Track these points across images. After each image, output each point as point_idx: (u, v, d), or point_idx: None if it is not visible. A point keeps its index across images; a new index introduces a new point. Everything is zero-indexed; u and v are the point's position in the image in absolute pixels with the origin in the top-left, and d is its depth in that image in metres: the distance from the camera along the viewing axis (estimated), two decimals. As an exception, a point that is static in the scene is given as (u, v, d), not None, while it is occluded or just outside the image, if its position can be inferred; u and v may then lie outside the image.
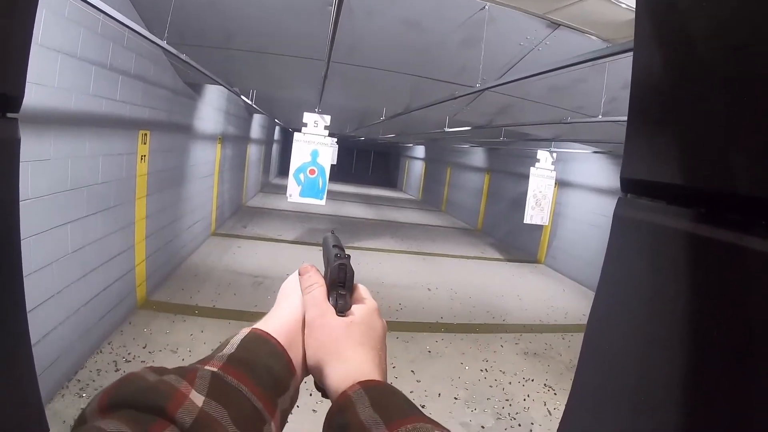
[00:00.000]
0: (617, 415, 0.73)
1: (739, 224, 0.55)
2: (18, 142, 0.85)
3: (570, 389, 0.89)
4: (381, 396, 0.56)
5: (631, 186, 0.76)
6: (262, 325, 0.68)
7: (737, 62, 0.55)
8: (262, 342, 0.63)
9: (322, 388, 0.66)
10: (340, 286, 0.72)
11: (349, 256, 0.74)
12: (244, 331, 0.65)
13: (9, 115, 0.82)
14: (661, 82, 0.69)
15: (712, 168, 0.59)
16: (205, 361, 0.59)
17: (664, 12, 0.68)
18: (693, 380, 0.58)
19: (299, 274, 0.76)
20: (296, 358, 0.65)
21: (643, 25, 0.72)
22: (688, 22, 0.63)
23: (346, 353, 0.64)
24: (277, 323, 0.68)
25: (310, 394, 3.86)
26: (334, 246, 0.79)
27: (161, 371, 0.53)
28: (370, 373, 0.62)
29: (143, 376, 0.50)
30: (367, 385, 0.58)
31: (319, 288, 0.71)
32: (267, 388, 0.57)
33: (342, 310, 0.69)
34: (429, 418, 0.53)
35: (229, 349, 0.61)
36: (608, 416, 0.75)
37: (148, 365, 0.54)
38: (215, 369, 0.55)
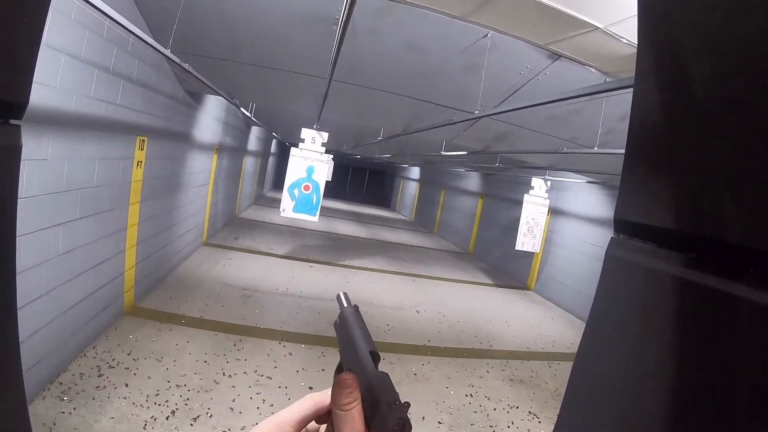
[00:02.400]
0: None
1: (727, 271, 0.56)
2: (19, 149, 0.85)
3: (555, 422, 0.89)
4: None
5: (624, 226, 0.77)
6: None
7: (736, 115, 0.56)
8: None
9: None
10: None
11: (408, 404, 0.64)
12: None
13: (12, 121, 0.82)
14: (659, 125, 0.70)
15: (704, 215, 0.60)
16: None
17: (666, 54, 0.69)
18: (677, 423, 0.58)
19: (340, 386, 0.65)
20: None
21: (644, 64, 0.73)
22: (690, 67, 0.64)
23: None
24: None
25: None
26: (373, 355, 0.69)
27: None
28: None
29: None
30: None
31: (358, 407, 0.64)
32: None
33: None
34: None
35: None
36: None
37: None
38: None
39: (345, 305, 0.77)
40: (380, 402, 0.63)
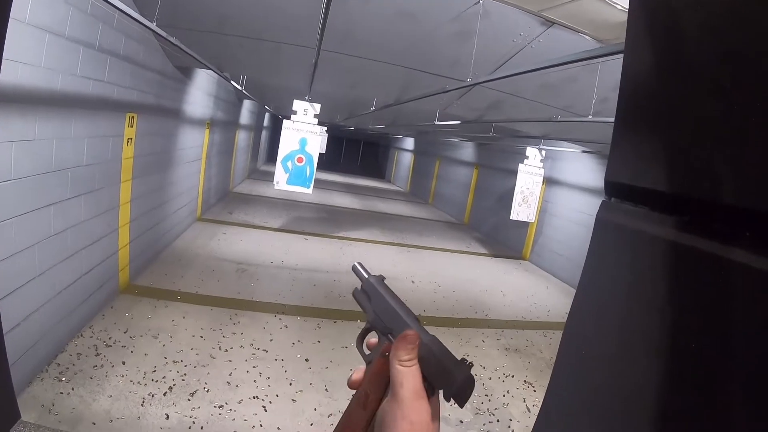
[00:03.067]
0: (592, 417, 0.73)
1: (723, 235, 0.54)
2: None
3: (547, 386, 0.89)
4: None
5: (615, 190, 0.76)
6: None
7: (729, 69, 0.55)
8: None
9: None
10: (455, 395, 0.63)
11: (472, 363, 0.65)
12: None
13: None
14: (650, 85, 0.68)
15: (697, 176, 0.59)
16: None
17: (657, 11, 0.67)
18: (667, 387, 0.58)
19: (404, 340, 0.66)
20: None
21: (635, 24, 0.71)
22: (682, 22, 0.62)
23: None
24: None
25: (314, 409, 3.80)
26: (423, 330, 0.69)
27: None
28: None
29: None
30: None
31: (418, 365, 0.65)
32: None
33: (430, 396, 0.64)
34: None
35: None
36: (583, 418, 0.75)
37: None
38: None
39: (367, 275, 0.77)
40: (443, 361, 0.64)
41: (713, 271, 0.55)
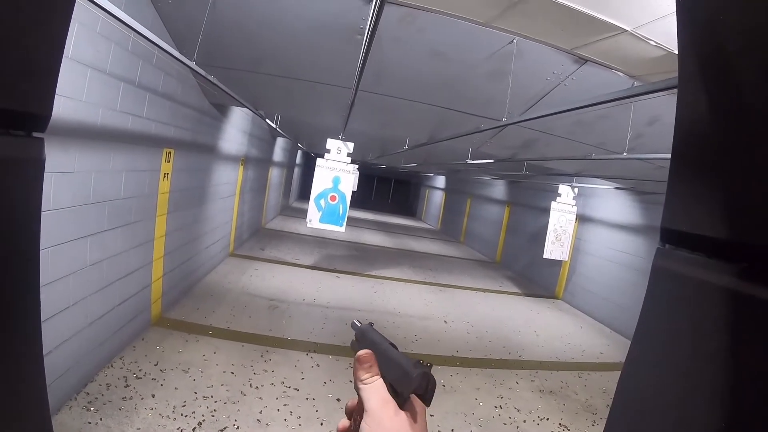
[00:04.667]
0: None
1: None
2: (43, 162, 0.83)
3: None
4: None
5: (670, 236, 0.73)
6: None
7: None
8: None
9: None
10: (419, 394, 0.70)
11: (431, 364, 0.71)
12: None
13: (35, 134, 0.80)
14: (706, 129, 0.66)
15: (757, 222, 0.56)
16: None
17: (710, 54, 0.65)
18: None
19: (358, 362, 0.73)
20: None
21: (687, 66, 0.69)
22: (737, 65, 0.59)
23: None
24: None
25: (321, 424, 3.78)
26: (393, 346, 0.76)
27: None
28: None
29: None
30: None
31: (380, 380, 0.71)
32: None
33: (401, 406, 0.69)
34: None
35: None
36: None
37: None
38: None
39: (359, 324, 0.83)
40: (403, 365, 0.70)
41: None
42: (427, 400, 0.70)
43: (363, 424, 0.67)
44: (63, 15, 0.79)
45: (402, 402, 0.69)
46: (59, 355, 3.83)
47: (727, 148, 0.61)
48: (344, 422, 0.75)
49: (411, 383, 0.68)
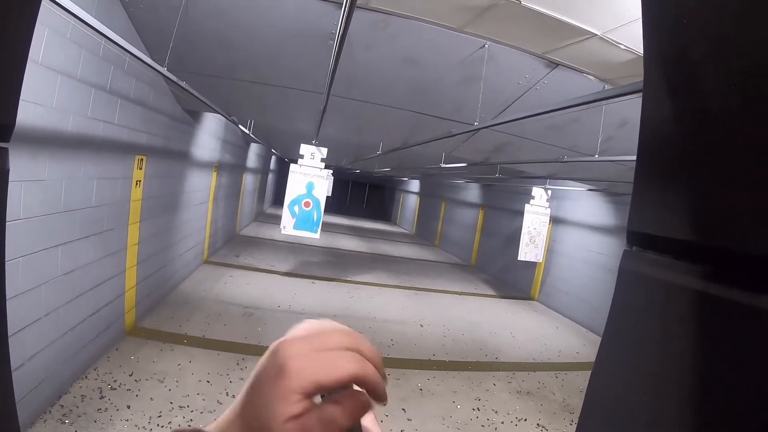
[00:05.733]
0: None
1: (752, 284, 0.53)
2: (7, 173, 0.82)
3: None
4: None
5: (637, 238, 0.74)
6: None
7: (753, 119, 0.54)
8: None
9: None
10: None
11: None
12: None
13: (-1, 144, 0.79)
14: (671, 133, 0.68)
15: (722, 224, 0.58)
16: None
17: (674, 58, 0.67)
18: None
19: None
20: None
21: (652, 71, 0.71)
22: (702, 73, 0.62)
23: None
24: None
25: None
26: None
27: None
28: None
29: None
30: None
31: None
32: None
33: None
34: None
35: None
36: None
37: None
38: None
39: None
40: None
41: (743, 320, 0.53)
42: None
43: None
44: (26, 23, 0.78)
45: None
46: (32, 368, 3.75)
47: (690, 151, 0.63)
48: None
49: None
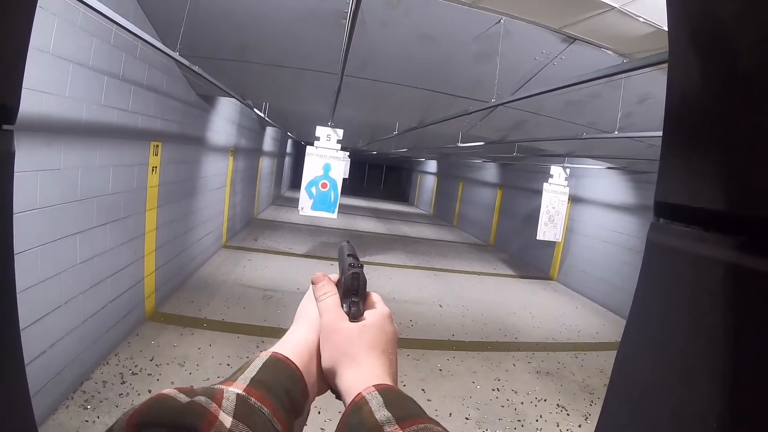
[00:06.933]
0: None
1: None
2: (12, 155, 0.80)
3: (597, 423, 0.82)
4: (393, 398, 0.60)
5: (664, 210, 0.70)
6: (280, 347, 0.70)
7: None
8: (282, 366, 0.65)
9: (336, 390, 0.70)
10: (353, 294, 0.75)
11: (362, 264, 0.78)
12: (265, 354, 0.67)
13: (4, 127, 0.77)
14: (700, 98, 0.63)
15: (756, 192, 0.53)
16: (228, 381, 0.61)
17: (701, 22, 0.62)
18: (731, 419, 0.52)
19: (312, 283, 0.80)
20: (310, 380, 0.68)
21: (677, 37, 0.66)
22: (731, 32, 0.57)
23: (359, 357, 0.68)
24: (294, 346, 0.70)
25: (318, 412, 3.76)
26: (348, 255, 0.81)
27: (191, 392, 0.53)
28: (382, 375, 0.67)
29: (175, 398, 0.51)
30: (380, 388, 0.62)
31: (333, 296, 0.76)
32: (286, 411, 0.59)
33: (355, 317, 0.73)
34: (437, 422, 0.56)
35: (251, 371, 0.63)
36: None
37: (175, 386, 0.54)
38: (240, 391, 0.57)
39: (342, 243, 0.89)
40: (344, 269, 0.78)
41: None
42: (360, 297, 0.76)
43: (320, 340, 0.72)
44: (26, 3, 0.76)
45: (355, 313, 0.74)
46: (53, 355, 3.80)
47: (721, 116, 0.59)
48: None
49: (344, 283, 0.74)
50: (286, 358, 0.66)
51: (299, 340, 0.72)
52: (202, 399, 0.52)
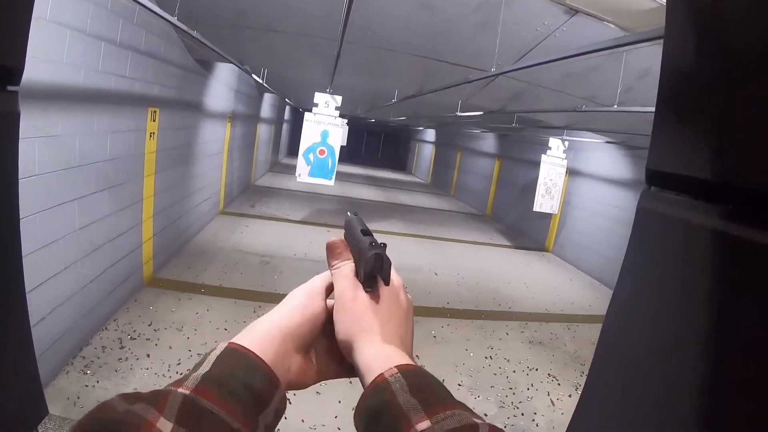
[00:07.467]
0: (633, 410, 0.70)
1: None
2: (18, 115, 0.82)
3: (583, 387, 0.85)
4: (419, 381, 0.58)
5: (655, 178, 0.73)
6: (240, 337, 0.63)
7: None
8: (237, 357, 0.59)
9: (350, 364, 0.68)
10: (373, 277, 0.72)
11: (384, 244, 0.74)
12: (221, 347, 0.60)
13: (9, 88, 0.79)
14: (693, 70, 0.65)
15: (743, 163, 0.56)
16: (180, 381, 0.55)
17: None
18: (719, 385, 0.55)
19: (327, 249, 0.76)
20: (279, 366, 0.62)
21: (675, 10, 0.68)
22: (726, 7, 0.58)
23: (374, 328, 0.67)
24: (257, 332, 0.65)
25: (318, 392, 3.80)
26: (363, 232, 0.77)
27: (133, 399, 0.49)
28: (402, 352, 0.66)
29: (114, 407, 0.48)
30: (404, 369, 0.59)
31: (349, 264, 0.74)
32: (246, 405, 0.54)
33: (369, 287, 0.71)
34: (465, 405, 0.54)
35: (204, 367, 0.57)
36: (626, 409, 0.72)
37: (121, 392, 0.50)
38: (187, 392, 0.52)
39: (349, 215, 0.87)
40: (361, 248, 0.73)
41: (763, 260, 0.52)
42: (384, 279, 0.73)
43: (334, 309, 0.70)
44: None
45: (369, 284, 0.71)
46: (53, 321, 3.85)
47: (712, 87, 0.61)
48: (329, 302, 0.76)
49: (366, 264, 0.70)
50: (242, 347, 0.60)
51: (266, 325, 0.66)
52: (140, 407, 0.48)
